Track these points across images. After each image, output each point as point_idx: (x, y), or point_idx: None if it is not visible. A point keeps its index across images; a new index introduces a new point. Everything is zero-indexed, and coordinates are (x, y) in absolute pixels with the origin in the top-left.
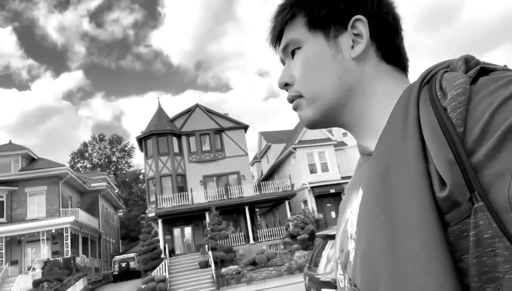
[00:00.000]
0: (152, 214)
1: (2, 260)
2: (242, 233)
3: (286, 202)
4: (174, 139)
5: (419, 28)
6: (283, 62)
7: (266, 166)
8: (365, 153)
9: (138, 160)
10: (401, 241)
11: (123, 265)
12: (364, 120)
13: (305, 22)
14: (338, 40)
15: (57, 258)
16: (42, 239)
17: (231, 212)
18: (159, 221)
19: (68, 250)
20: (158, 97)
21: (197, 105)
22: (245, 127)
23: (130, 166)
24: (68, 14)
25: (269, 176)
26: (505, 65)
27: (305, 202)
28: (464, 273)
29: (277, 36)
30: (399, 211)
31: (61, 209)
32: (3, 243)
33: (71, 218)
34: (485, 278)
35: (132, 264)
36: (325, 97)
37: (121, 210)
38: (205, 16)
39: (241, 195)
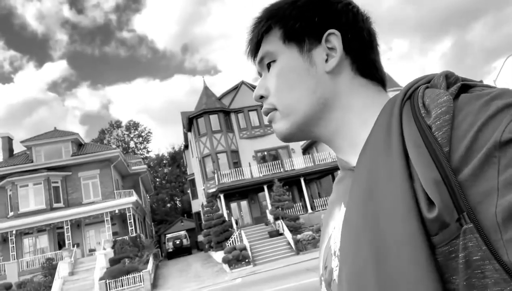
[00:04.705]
0: (212, 190)
1: (70, 243)
2: (300, 203)
3: (339, 172)
4: (225, 116)
5: (405, 1)
6: (260, 74)
7: None
8: (346, 167)
9: (155, 145)
10: (389, 262)
11: (177, 242)
12: (341, 134)
13: (281, 34)
14: (312, 53)
15: (124, 237)
16: (107, 220)
17: (285, 184)
18: (221, 196)
19: (132, 229)
20: (203, 77)
21: (242, 82)
22: None
23: (148, 151)
24: (47, 1)
25: (307, 149)
26: (481, 80)
27: None
28: None
29: (254, 49)
30: (386, 231)
31: (115, 191)
32: (69, 226)
33: (133, 198)
34: None
35: (185, 241)
36: (299, 111)
37: (150, 193)
38: None
39: (292, 168)
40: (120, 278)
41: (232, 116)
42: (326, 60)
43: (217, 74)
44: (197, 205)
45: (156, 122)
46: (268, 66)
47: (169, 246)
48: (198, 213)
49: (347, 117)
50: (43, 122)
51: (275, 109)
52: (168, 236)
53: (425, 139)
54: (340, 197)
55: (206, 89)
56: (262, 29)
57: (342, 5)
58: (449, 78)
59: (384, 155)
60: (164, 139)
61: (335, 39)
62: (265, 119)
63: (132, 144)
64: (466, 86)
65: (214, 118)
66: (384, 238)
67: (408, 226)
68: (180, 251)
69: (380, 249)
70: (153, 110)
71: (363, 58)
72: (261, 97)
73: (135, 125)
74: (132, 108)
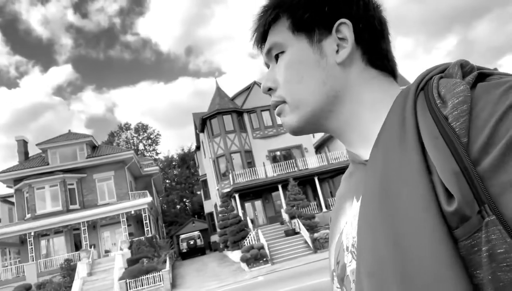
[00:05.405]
0: (227, 190)
1: (87, 244)
2: (315, 202)
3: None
4: (238, 117)
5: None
6: (267, 66)
7: (310, 140)
8: (356, 161)
9: (160, 147)
10: (410, 257)
11: (191, 242)
12: (352, 127)
13: (289, 24)
14: (322, 44)
15: (140, 238)
16: (123, 221)
17: (299, 183)
18: (236, 196)
19: (148, 230)
20: (215, 78)
21: (255, 83)
22: None
23: (157, 153)
24: (51, 6)
25: (318, 148)
26: (495, 68)
27: None
28: (478, 288)
29: (260, 39)
30: (405, 226)
31: (130, 192)
32: (86, 228)
33: (149, 199)
34: None
35: (198, 242)
36: (309, 104)
37: (161, 195)
38: None
39: (306, 167)
40: (140, 278)
41: (245, 116)
42: (337, 51)
43: (221, 76)
44: (210, 205)
45: (161, 125)
46: (276, 57)
47: (183, 246)
48: (210, 214)
49: (357, 110)
50: (49, 126)
51: (284, 102)
52: (182, 236)
53: (441, 131)
54: (351, 192)
55: (218, 90)
56: (269, 18)
57: None
58: (464, 67)
59: (399, 147)
60: (169, 141)
61: (346, 29)
62: (278, 119)
63: (141, 146)
64: (483, 75)
65: (227, 118)
66: (403, 233)
67: (428, 220)
68: (194, 251)
69: (400, 244)
70: (157, 112)
71: (375, 48)
72: (269, 89)
73: (144, 128)
74: (136, 111)
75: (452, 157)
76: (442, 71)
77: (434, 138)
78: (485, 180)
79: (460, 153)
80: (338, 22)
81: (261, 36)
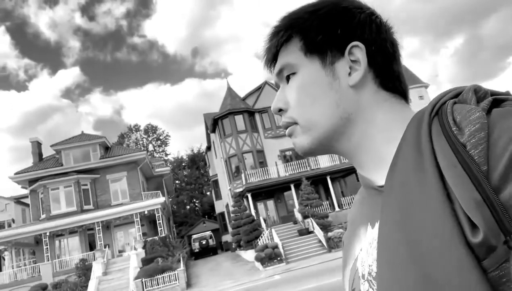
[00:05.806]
0: (239, 190)
1: (102, 244)
2: (327, 202)
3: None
4: (249, 116)
5: None
6: (278, 86)
7: None
8: (369, 186)
9: (172, 148)
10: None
11: (203, 242)
12: (364, 149)
13: (301, 46)
14: (335, 66)
15: (154, 237)
16: (137, 221)
17: (311, 183)
18: (249, 196)
19: (161, 230)
20: (227, 79)
21: (266, 83)
22: None
23: (167, 154)
24: (59, 10)
25: None
26: (507, 92)
27: None
28: None
29: (271, 59)
30: (432, 260)
31: (142, 192)
32: (100, 228)
33: (162, 199)
34: None
35: (210, 242)
36: (322, 126)
37: (171, 195)
38: (197, 0)
39: (318, 166)
40: (156, 277)
41: (257, 116)
42: (349, 74)
43: (228, 76)
44: (221, 205)
45: (167, 126)
46: (287, 78)
47: (195, 246)
48: (222, 214)
49: (370, 133)
50: (57, 128)
51: (295, 123)
52: (194, 236)
53: (460, 159)
54: (364, 218)
55: (230, 90)
56: (281, 39)
57: (365, 15)
58: (477, 93)
59: (417, 175)
60: (176, 143)
61: (359, 52)
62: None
63: (150, 147)
64: (497, 101)
65: (239, 118)
66: (430, 266)
67: (457, 253)
68: (206, 251)
69: (429, 276)
70: (164, 114)
71: (387, 71)
72: (280, 110)
73: (153, 129)
74: (143, 113)
75: (473, 185)
76: (456, 96)
77: (452, 167)
78: (509, 208)
79: (481, 182)
80: (351, 44)
81: (272, 56)
